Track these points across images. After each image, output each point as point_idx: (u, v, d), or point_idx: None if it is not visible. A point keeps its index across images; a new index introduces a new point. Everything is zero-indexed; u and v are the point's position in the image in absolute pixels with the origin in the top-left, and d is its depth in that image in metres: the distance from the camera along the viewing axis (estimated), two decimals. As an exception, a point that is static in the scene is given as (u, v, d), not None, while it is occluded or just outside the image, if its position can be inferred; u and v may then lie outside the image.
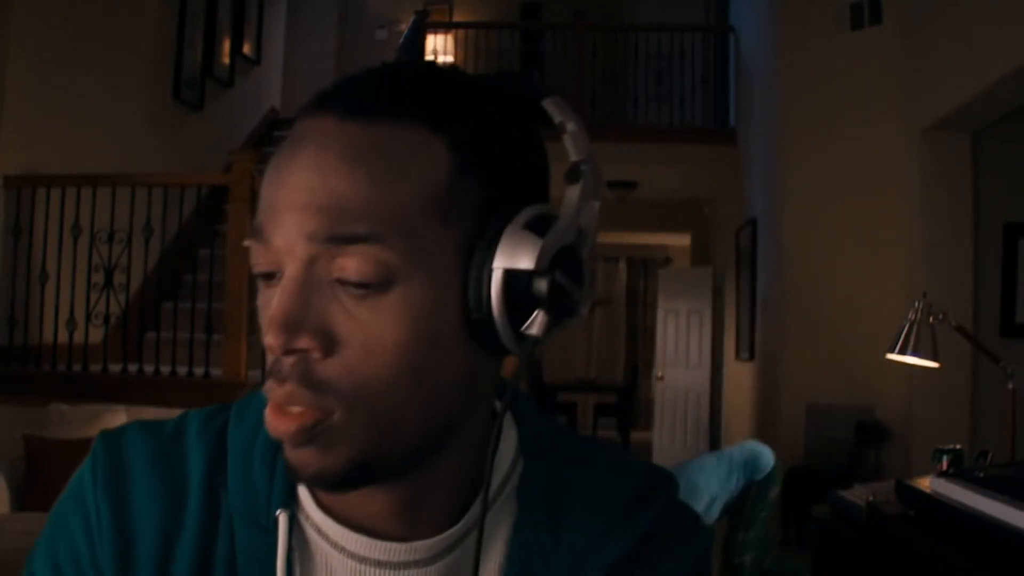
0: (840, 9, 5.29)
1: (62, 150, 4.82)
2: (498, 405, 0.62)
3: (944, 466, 2.22)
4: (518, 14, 10.32)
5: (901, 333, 2.54)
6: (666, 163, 7.50)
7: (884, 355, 2.63)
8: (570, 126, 0.55)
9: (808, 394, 5.18)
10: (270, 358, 0.51)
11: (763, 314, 6.05)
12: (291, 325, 0.49)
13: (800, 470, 5.01)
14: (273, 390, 0.50)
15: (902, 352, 2.52)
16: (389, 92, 0.52)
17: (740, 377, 6.90)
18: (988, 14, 3.85)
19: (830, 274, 5.21)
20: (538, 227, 0.52)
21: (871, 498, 2.11)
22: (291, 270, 0.50)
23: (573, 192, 0.54)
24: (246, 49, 7.45)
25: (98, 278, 4.51)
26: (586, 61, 7.54)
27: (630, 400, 10.88)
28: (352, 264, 0.49)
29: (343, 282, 0.49)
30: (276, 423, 0.51)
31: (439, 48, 10.10)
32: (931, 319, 2.49)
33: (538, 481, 0.61)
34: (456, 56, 10.04)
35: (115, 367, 4.49)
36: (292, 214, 0.50)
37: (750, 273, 6.40)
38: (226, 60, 7.01)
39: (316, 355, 0.49)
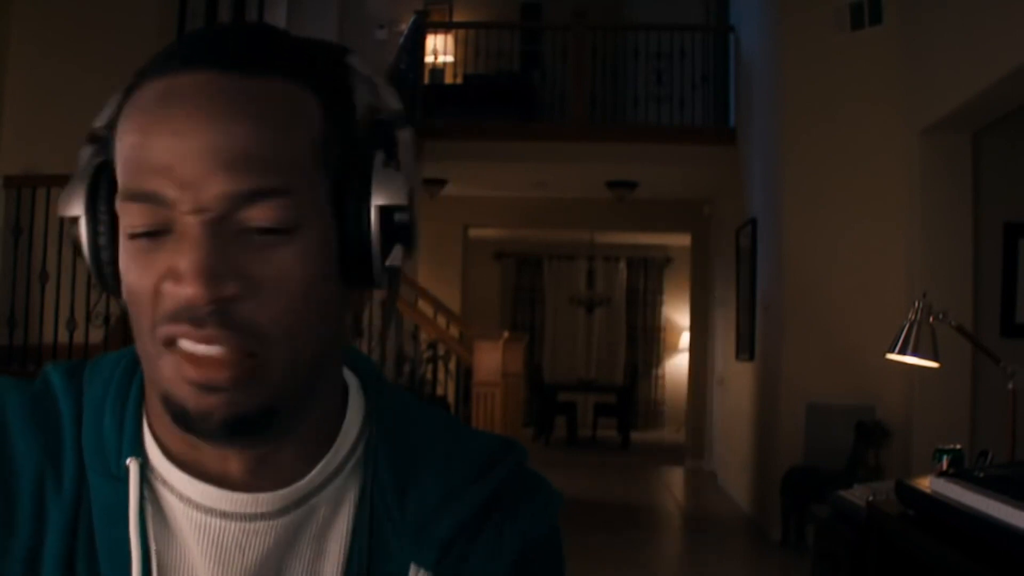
0: (840, 9, 5.29)
1: (62, 150, 4.79)
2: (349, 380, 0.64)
3: (944, 466, 2.22)
4: (518, 14, 10.31)
5: (901, 333, 2.53)
6: (666, 163, 7.50)
7: (884, 355, 2.63)
8: (378, 79, 0.59)
9: (808, 394, 5.18)
10: (171, 305, 0.51)
11: (763, 314, 6.05)
12: (215, 275, 0.49)
13: (800, 470, 5.01)
14: (187, 333, 0.50)
15: (902, 352, 2.52)
16: (258, 47, 0.54)
17: (740, 377, 6.90)
18: (988, 14, 3.84)
19: (830, 274, 5.21)
20: (393, 166, 0.56)
21: (871, 498, 2.12)
22: (199, 225, 0.50)
23: (406, 135, 0.59)
24: (246, 49, 7.47)
25: (98, 278, 4.51)
26: (586, 61, 7.53)
27: (630, 400, 10.88)
28: (264, 214, 0.51)
29: (253, 229, 0.51)
30: (200, 372, 0.50)
31: (439, 48, 10.09)
32: (931, 319, 2.49)
33: (386, 446, 0.62)
34: (456, 56, 10.04)
35: (115, 367, 4.49)
36: (199, 173, 0.50)
37: (750, 273, 6.39)
38: (226, 60, 7.02)
39: (236, 299, 0.50)
